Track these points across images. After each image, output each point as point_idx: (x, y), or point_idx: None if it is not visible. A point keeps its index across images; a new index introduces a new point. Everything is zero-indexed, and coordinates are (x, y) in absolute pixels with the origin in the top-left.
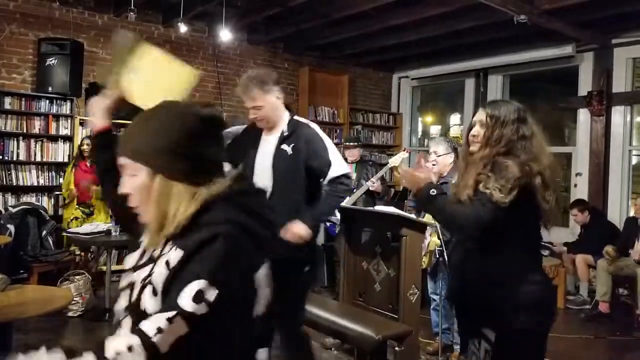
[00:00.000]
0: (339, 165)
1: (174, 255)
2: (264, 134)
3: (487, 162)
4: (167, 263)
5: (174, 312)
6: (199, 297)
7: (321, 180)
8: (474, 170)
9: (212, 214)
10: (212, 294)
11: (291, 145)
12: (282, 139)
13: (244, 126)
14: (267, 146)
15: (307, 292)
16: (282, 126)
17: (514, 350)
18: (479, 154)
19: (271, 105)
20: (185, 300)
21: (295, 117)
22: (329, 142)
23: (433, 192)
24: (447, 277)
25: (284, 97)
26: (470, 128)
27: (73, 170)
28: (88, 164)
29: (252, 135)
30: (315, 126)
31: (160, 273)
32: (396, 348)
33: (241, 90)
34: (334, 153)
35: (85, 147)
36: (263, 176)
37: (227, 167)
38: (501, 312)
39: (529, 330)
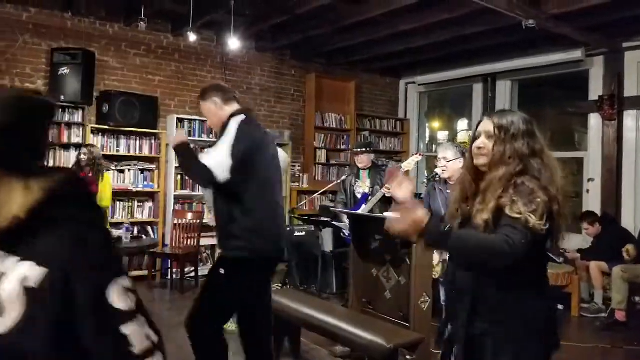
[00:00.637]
0: (210, 157)
1: (31, 272)
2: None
3: (506, 184)
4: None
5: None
6: (124, 295)
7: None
8: (493, 192)
9: (58, 210)
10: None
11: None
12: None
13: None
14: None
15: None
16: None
17: None
18: (497, 174)
19: (207, 111)
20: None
21: (239, 121)
22: (227, 139)
23: (447, 227)
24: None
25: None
26: (474, 138)
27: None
28: (88, 174)
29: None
30: (235, 125)
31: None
32: (407, 357)
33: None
34: (220, 150)
35: (83, 157)
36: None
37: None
38: (516, 342)
39: (544, 355)
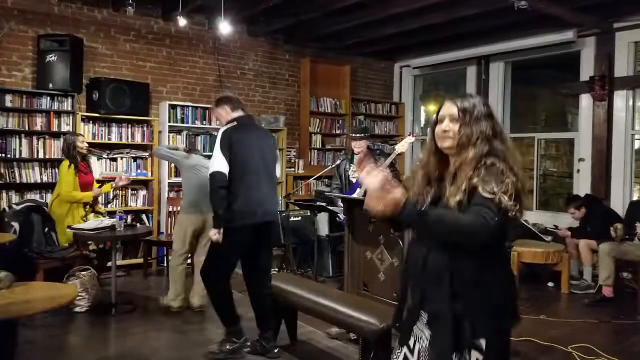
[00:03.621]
0: (214, 164)
1: None
2: None
3: (476, 165)
4: None
5: None
6: None
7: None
8: (464, 174)
9: None
10: None
11: None
12: None
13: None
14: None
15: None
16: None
17: (502, 352)
18: (467, 156)
19: (218, 114)
20: None
21: (225, 127)
22: (216, 146)
23: (425, 208)
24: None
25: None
26: (436, 122)
27: (75, 173)
28: (86, 165)
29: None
30: (220, 132)
31: None
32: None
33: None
34: (215, 156)
35: (80, 144)
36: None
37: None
38: (492, 317)
39: (509, 329)
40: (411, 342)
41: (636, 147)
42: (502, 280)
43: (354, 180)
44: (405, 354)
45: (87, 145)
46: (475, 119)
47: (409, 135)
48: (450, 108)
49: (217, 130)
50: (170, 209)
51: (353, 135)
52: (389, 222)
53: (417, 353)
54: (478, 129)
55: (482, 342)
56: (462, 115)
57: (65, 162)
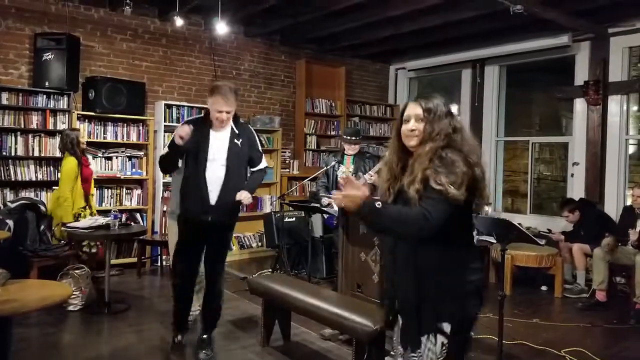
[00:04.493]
0: (265, 161)
1: None
2: (214, 130)
3: (432, 156)
4: None
5: None
6: None
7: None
8: (420, 165)
9: None
10: None
11: (240, 141)
12: (233, 136)
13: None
14: (220, 139)
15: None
16: (230, 125)
17: (465, 337)
18: (424, 149)
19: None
20: None
21: (240, 120)
22: (258, 140)
23: (379, 204)
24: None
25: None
26: (401, 122)
27: (79, 167)
28: (85, 158)
29: (199, 130)
30: (251, 128)
31: None
32: (394, 338)
33: (224, 97)
34: (261, 150)
35: (82, 139)
36: (217, 162)
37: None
38: (455, 302)
39: (476, 315)
40: (396, 329)
41: (630, 151)
42: (466, 268)
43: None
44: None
45: (85, 140)
46: (438, 117)
47: None
48: (415, 109)
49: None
50: (165, 209)
51: (347, 138)
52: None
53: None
54: (439, 126)
55: (447, 327)
56: (427, 115)
57: (69, 160)
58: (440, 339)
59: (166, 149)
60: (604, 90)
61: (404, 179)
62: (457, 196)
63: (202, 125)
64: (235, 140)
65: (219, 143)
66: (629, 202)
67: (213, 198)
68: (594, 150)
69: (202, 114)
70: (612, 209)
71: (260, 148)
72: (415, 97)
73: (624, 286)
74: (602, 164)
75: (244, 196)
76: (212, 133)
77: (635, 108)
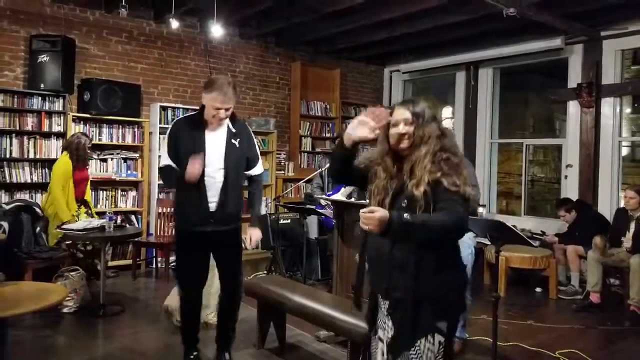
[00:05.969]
0: (261, 163)
1: None
2: (209, 130)
3: (432, 159)
4: None
5: None
6: None
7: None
8: (422, 168)
9: None
10: None
11: (237, 140)
12: (230, 135)
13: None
14: (217, 139)
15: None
16: (227, 124)
17: (454, 334)
18: (420, 152)
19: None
20: None
21: (238, 117)
22: (255, 141)
23: (407, 216)
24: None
25: None
26: (388, 126)
27: (73, 171)
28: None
29: (193, 129)
30: (248, 126)
31: None
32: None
33: (222, 92)
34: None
35: (89, 150)
36: (214, 165)
37: (167, 160)
38: (451, 301)
39: (466, 308)
40: (380, 333)
41: (623, 153)
42: (458, 268)
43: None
44: (380, 347)
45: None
46: (426, 122)
47: None
48: (403, 113)
49: None
50: (160, 211)
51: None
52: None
53: (385, 342)
54: (429, 129)
55: (444, 326)
56: (416, 119)
57: (63, 159)
58: (438, 337)
59: (167, 164)
60: (597, 92)
61: (405, 181)
62: (472, 194)
63: (197, 123)
64: (233, 140)
65: (215, 143)
66: (622, 204)
67: (212, 206)
68: (587, 152)
69: (197, 111)
70: (605, 210)
71: (257, 150)
72: (401, 102)
73: (618, 288)
74: (596, 165)
75: (255, 238)
76: (207, 133)
77: (628, 110)
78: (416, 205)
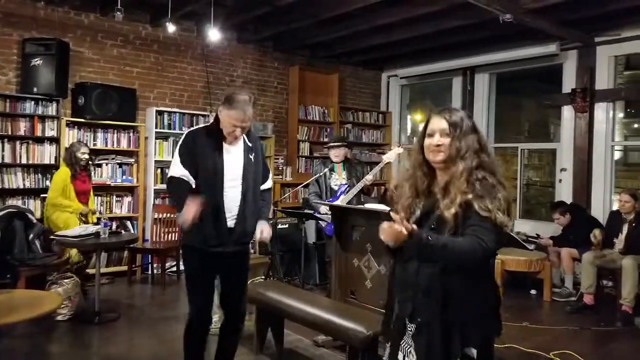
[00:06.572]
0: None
1: None
2: (227, 144)
3: (467, 178)
4: None
5: None
6: None
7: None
8: (457, 187)
9: None
10: None
11: (253, 155)
12: (247, 150)
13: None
14: (234, 154)
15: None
16: (242, 137)
17: (489, 357)
18: (457, 168)
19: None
20: None
21: (252, 130)
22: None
23: (429, 238)
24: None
25: None
26: (424, 136)
27: (72, 181)
28: (85, 174)
29: (211, 143)
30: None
31: None
32: (387, 344)
33: (242, 111)
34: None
35: (80, 155)
36: (234, 182)
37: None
38: (481, 326)
39: (494, 338)
40: (400, 357)
41: (616, 157)
42: (489, 291)
43: (335, 188)
44: None
45: (87, 157)
46: (464, 133)
47: (397, 146)
48: (440, 123)
49: None
50: (156, 216)
51: (331, 144)
52: (387, 249)
53: None
54: (467, 142)
55: (474, 352)
56: (453, 130)
57: (61, 170)
58: None
59: (181, 175)
60: (590, 97)
61: (432, 199)
62: (505, 222)
63: (214, 136)
64: (250, 156)
65: (233, 159)
66: (615, 207)
67: (231, 223)
68: (581, 157)
69: (211, 122)
70: (599, 213)
71: (267, 164)
72: (439, 110)
73: (611, 289)
74: (589, 169)
75: (266, 233)
76: (225, 147)
77: (621, 115)
78: (445, 227)
